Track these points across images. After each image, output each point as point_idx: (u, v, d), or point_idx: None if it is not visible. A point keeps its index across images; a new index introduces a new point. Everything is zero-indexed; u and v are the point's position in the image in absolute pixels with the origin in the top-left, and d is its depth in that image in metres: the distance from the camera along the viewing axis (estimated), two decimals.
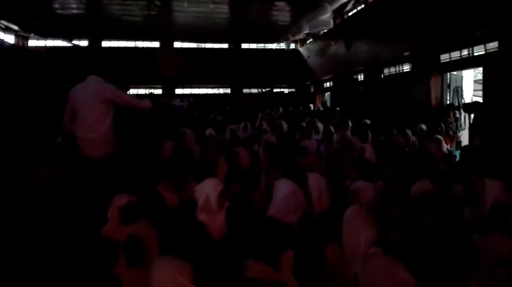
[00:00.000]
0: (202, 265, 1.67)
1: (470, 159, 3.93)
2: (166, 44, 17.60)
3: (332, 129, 6.01)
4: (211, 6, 12.70)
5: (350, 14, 13.30)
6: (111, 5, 12.55)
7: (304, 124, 7.11)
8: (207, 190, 2.59)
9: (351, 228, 1.95)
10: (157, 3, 12.01)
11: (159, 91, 17.32)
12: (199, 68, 16.65)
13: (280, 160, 4.28)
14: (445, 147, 5.78)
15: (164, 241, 2.32)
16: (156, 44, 17.82)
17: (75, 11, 13.02)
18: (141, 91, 16.39)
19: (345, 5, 12.92)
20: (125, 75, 13.18)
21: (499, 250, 1.61)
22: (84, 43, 16.93)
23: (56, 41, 16.23)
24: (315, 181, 2.76)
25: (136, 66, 14.57)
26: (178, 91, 17.67)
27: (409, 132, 6.18)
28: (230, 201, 3.05)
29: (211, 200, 2.55)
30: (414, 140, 6.26)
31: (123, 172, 3.62)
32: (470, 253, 1.69)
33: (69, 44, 15.84)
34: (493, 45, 6.16)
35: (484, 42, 6.40)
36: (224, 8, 13.26)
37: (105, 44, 17.47)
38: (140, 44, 17.83)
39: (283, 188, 2.52)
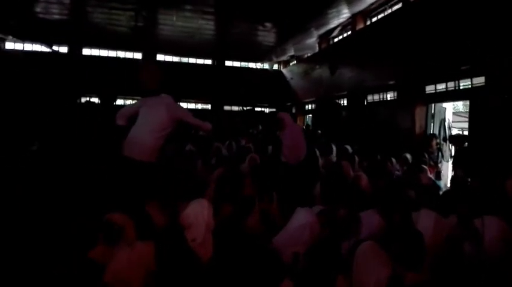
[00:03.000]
0: None
1: (461, 191, 3.93)
2: (149, 56, 17.35)
3: (317, 153, 5.95)
4: (199, 22, 12.64)
5: (336, 39, 13.49)
6: (96, 13, 12.24)
7: None
8: (195, 211, 2.44)
9: (363, 265, 1.83)
10: (145, 14, 11.84)
11: None
12: (180, 82, 16.43)
13: (266, 181, 4.15)
14: (430, 177, 5.82)
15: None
16: (138, 55, 17.55)
17: (57, 16, 12.60)
18: (128, 102, 15.99)
19: (331, 31, 13.14)
20: (106, 84, 12.88)
21: None
22: (64, 49, 16.44)
23: (34, 45, 15.72)
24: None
25: (118, 76, 14.27)
26: None
27: (394, 160, 6.19)
28: (220, 224, 2.90)
29: (199, 222, 2.41)
30: (398, 169, 6.29)
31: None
32: None
33: (48, 50, 15.35)
34: (479, 80, 6.29)
35: (471, 76, 6.54)
36: (212, 25, 13.21)
37: (86, 52, 17.02)
38: (121, 54, 17.49)
39: (301, 216, 2.40)
